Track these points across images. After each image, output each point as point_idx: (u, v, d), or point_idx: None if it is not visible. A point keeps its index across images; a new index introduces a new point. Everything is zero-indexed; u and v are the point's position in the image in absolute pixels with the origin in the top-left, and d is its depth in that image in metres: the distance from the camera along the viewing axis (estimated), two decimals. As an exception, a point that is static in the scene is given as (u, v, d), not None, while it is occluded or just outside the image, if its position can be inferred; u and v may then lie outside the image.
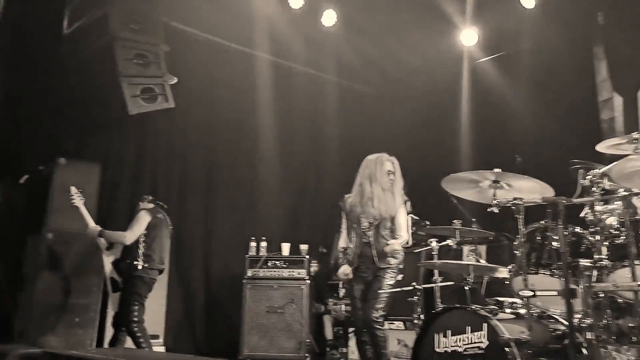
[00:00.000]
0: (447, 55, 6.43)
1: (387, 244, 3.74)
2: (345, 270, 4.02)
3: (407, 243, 4.02)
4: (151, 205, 4.90)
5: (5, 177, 5.13)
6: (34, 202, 5.27)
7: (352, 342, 5.51)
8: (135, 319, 4.52)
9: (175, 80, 5.37)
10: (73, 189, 4.81)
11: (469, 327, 3.02)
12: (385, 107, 7.33)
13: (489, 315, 3.04)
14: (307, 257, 5.85)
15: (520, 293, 3.03)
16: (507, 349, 2.84)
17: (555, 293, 2.88)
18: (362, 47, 6.53)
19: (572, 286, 2.87)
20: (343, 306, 5.93)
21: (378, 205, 3.88)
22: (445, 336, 3.13)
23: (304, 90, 6.83)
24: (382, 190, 3.91)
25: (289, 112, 6.84)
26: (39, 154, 5.48)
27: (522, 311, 3.26)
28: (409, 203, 4.11)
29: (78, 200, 4.80)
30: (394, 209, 3.92)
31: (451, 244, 3.89)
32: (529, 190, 3.35)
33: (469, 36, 6.17)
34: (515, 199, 3.09)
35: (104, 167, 5.58)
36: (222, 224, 6.53)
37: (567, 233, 3.01)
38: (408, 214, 4.11)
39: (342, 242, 4.17)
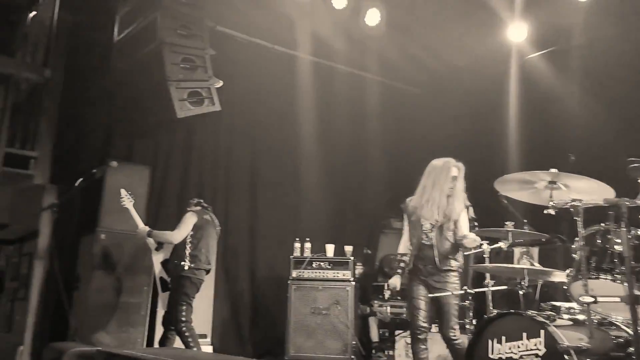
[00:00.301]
0: (494, 52, 6.21)
1: (465, 238, 3.70)
2: (395, 282, 4.04)
3: (481, 246, 3.90)
4: (198, 208, 4.94)
5: (62, 180, 5.28)
6: (88, 204, 5.41)
7: (399, 345, 5.43)
8: (183, 319, 4.54)
9: (220, 83, 5.40)
10: (123, 192, 4.90)
11: (525, 334, 2.90)
12: (430, 106, 7.19)
13: (547, 321, 2.92)
14: (352, 258, 5.80)
15: (580, 299, 2.87)
16: (566, 357, 2.73)
17: (617, 299, 2.75)
18: (406, 46, 6.41)
19: (637, 292, 2.71)
20: (389, 308, 5.87)
21: (434, 209, 3.87)
22: (499, 342, 3.02)
23: (346, 91, 6.78)
24: (445, 195, 3.90)
25: (332, 113, 6.81)
26: (92, 157, 5.63)
27: (581, 317, 3.13)
28: (471, 209, 4.01)
29: (128, 202, 4.88)
30: (457, 214, 3.90)
31: (503, 246, 3.74)
32: (587, 191, 3.21)
33: (518, 31, 5.94)
34: (573, 200, 2.92)
35: (153, 170, 5.67)
36: (266, 224, 6.57)
37: (630, 236, 2.86)
38: (470, 220, 4.00)
39: (402, 247, 4.13)
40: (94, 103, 5.71)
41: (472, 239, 3.69)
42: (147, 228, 4.81)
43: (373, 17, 5.91)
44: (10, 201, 5.06)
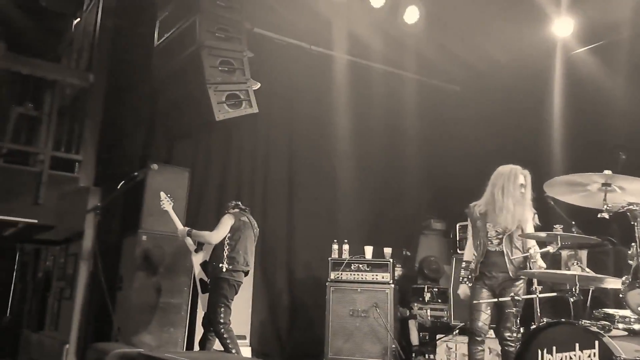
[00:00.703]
0: (537, 47, 6.00)
1: (533, 258, 3.74)
2: (464, 291, 4.05)
3: (529, 250, 3.88)
4: (235, 210, 4.94)
5: (105, 182, 5.37)
6: (130, 206, 5.49)
7: (440, 349, 5.31)
8: (222, 321, 4.52)
9: (258, 85, 5.42)
10: (162, 194, 4.94)
11: (578, 344, 2.77)
12: (469, 104, 7.02)
13: (601, 331, 2.76)
14: (391, 260, 5.74)
15: (639, 309, 2.67)
16: (623, 370, 2.58)
17: (678, 309, 2.55)
18: (446, 43, 6.28)
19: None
20: (429, 311, 5.84)
21: (508, 217, 3.84)
22: (549, 352, 2.87)
23: (382, 90, 6.72)
24: (513, 202, 3.87)
25: (368, 113, 6.76)
26: (134, 160, 5.73)
27: (637, 327, 2.95)
28: (536, 215, 3.95)
29: (167, 205, 4.92)
30: (525, 221, 3.88)
31: (552, 250, 3.55)
32: (643, 194, 3.01)
33: (563, 26, 5.70)
34: (630, 204, 2.72)
35: (192, 172, 5.70)
36: (304, 226, 6.56)
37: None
38: (535, 227, 3.94)
39: (467, 253, 4.09)
40: (135, 107, 5.81)
41: (540, 265, 3.73)
42: (187, 228, 4.84)
43: (412, 14, 5.81)
44: (57, 203, 5.06)
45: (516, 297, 3.57)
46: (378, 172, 7.01)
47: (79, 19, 6.41)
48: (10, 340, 6.70)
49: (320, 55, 6.43)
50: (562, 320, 2.94)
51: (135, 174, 4.67)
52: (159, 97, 5.85)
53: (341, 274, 5.72)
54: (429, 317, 5.85)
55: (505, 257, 3.80)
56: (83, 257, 5.16)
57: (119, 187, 4.57)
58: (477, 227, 3.98)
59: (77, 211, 5.15)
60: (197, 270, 4.91)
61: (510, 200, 3.86)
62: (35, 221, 4.97)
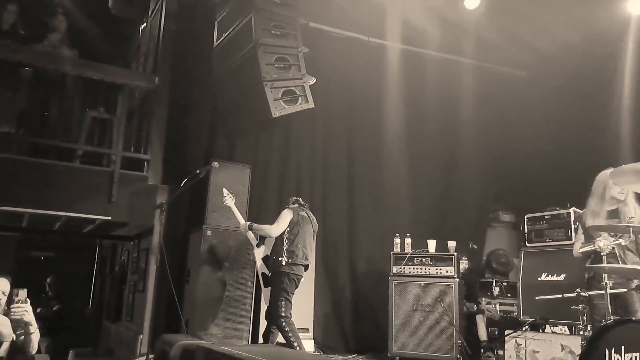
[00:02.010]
0: (610, 27, 5.60)
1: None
2: None
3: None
4: (295, 205, 4.98)
5: (172, 180, 5.55)
6: (195, 202, 5.66)
7: (509, 345, 5.13)
8: (282, 314, 4.58)
9: (314, 80, 5.42)
10: (225, 191, 5.03)
11: (649, 344, 2.55)
12: (536, 89, 6.73)
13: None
14: (455, 254, 5.61)
15: None
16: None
17: None
18: (510, 26, 6.03)
19: None
20: (498, 305, 5.70)
21: (625, 237, 3.61)
22: (617, 352, 2.71)
23: (441, 78, 6.55)
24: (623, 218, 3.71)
25: (428, 103, 6.62)
26: (198, 158, 5.90)
27: None
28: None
29: (229, 201, 5.01)
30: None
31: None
32: None
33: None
34: None
35: (253, 169, 5.81)
36: (365, 220, 6.54)
37: None
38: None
39: (575, 252, 3.97)
40: (197, 107, 5.96)
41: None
42: (248, 222, 4.96)
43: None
44: (129, 201, 5.37)
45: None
46: (440, 164, 6.88)
47: (145, 24, 6.71)
48: (92, 330, 7.20)
49: (377, 46, 6.37)
50: (632, 319, 2.73)
51: (198, 171, 4.77)
52: (220, 97, 5.99)
53: (404, 268, 5.67)
54: (498, 312, 5.70)
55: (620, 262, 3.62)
56: (153, 251, 5.43)
57: (182, 184, 4.70)
58: (587, 231, 3.83)
59: (147, 208, 5.41)
60: (259, 264, 5.00)
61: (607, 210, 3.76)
62: (109, 218, 5.28)
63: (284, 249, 4.72)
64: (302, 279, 4.80)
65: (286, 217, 4.82)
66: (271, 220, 4.96)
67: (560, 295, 3.53)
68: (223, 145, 6.07)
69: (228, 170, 5.52)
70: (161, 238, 4.57)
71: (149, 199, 5.47)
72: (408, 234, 5.85)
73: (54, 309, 7.23)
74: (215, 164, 5.09)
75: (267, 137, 6.31)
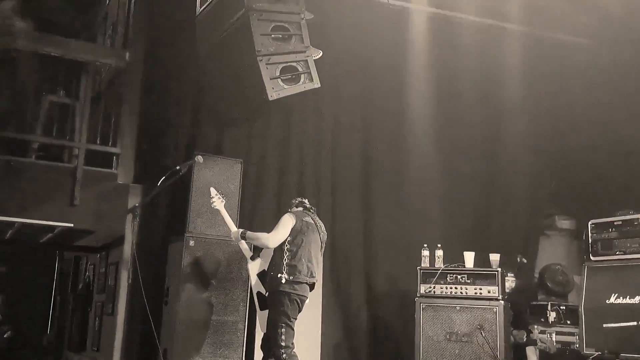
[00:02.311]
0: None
1: None
2: None
3: None
4: (298, 208, 5.07)
5: (147, 179, 5.66)
6: (175, 205, 5.77)
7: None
8: (282, 344, 4.60)
9: (320, 54, 5.46)
10: (212, 191, 5.10)
11: None
12: (603, 61, 6.70)
13: None
14: (500, 269, 5.65)
15: None
16: None
17: None
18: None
19: None
20: (554, 335, 5.75)
21: None
22: None
23: (480, 50, 6.56)
24: None
25: (463, 80, 6.63)
26: (178, 151, 6.01)
27: None
28: None
29: (218, 203, 5.06)
30: None
31: None
32: None
33: None
34: None
35: (246, 164, 5.89)
36: (384, 228, 6.59)
37: None
38: None
39: None
40: (178, 89, 6.08)
41: None
42: (241, 230, 5.00)
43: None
44: (95, 204, 5.49)
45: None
46: (479, 157, 6.88)
47: (113, -10, 6.80)
48: (51, 363, 7.27)
49: (399, 10, 6.34)
50: None
51: (178, 167, 4.91)
52: (204, 77, 6.09)
53: (434, 288, 5.73)
54: (554, 343, 5.76)
55: None
56: (124, 265, 5.54)
57: (159, 183, 4.84)
58: None
59: (117, 212, 5.51)
60: (254, 281, 5.05)
61: None
62: (71, 225, 5.43)
63: (284, 263, 4.76)
64: (307, 301, 4.85)
65: (287, 223, 4.88)
66: (268, 227, 5.01)
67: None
68: (209, 135, 6.13)
69: (215, 165, 5.61)
70: (134, 249, 4.73)
71: (118, 202, 5.56)
72: (439, 245, 5.88)
73: (5, 335, 7.41)
74: (200, 158, 5.21)
75: (263, 125, 6.37)
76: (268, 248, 4.90)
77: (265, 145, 6.40)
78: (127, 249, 5.45)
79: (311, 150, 6.57)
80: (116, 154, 5.74)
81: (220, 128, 6.21)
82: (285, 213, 5.00)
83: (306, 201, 5.15)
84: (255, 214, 6.16)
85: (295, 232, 4.85)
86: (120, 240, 5.65)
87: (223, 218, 5.08)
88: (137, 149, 5.82)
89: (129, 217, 5.26)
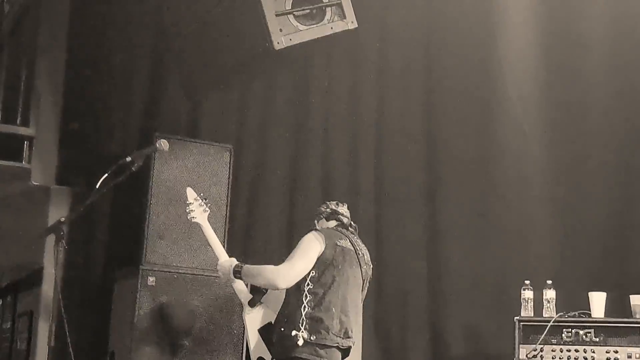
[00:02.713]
0: None
1: None
2: None
3: None
4: (330, 223, 4.88)
5: (78, 179, 5.67)
6: (123, 220, 5.74)
7: None
8: None
9: None
10: (191, 193, 4.91)
11: None
12: None
13: None
14: None
15: None
16: None
17: None
18: None
19: None
20: None
21: None
22: None
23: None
24: None
25: (590, 41, 6.50)
26: (128, 134, 5.98)
27: None
28: None
29: (199, 213, 4.88)
30: None
31: None
32: None
33: None
34: None
35: (237, 150, 5.91)
36: (461, 254, 6.56)
37: None
38: None
39: None
40: (128, 38, 6.05)
41: None
42: (234, 261, 4.75)
43: None
44: None
45: None
46: (611, 152, 6.62)
47: None
48: None
49: None
50: None
51: (129, 158, 4.52)
52: (171, 16, 6.10)
53: (541, 350, 5.51)
54: None
55: None
56: (42, 317, 5.47)
57: (99, 184, 4.46)
58: None
59: (30, 232, 5.47)
60: (254, 342, 4.82)
61: None
62: None
63: (303, 314, 4.51)
64: None
65: (311, 249, 4.61)
66: (274, 256, 5.05)
67: None
68: (179, 110, 6.19)
69: (189, 154, 5.58)
70: (58, 291, 4.31)
71: (33, 215, 5.54)
72: (549, 282, 5.71)
73: None
74: (163, 143, 4.74)
75: (265, 91, 6.43)
76: (277, 290, 4.66)
77: (268, 123, 6.47)
78: (48, 290, 5.40)
79: (342, 132, 6.65)
80: (29, 138, 5.72)
81: (197, 96, 6.28)
82: (309, 232, 4.70)
83: (344, 210, 4.89)
84: (253, 232, 6.23)
85: (323, 265, 4.61)
86: (35, 277, 5.69)
87: (206, 239, 4.89)
88: (62, 129, 5.87)
89: (50, 239, 4.82)
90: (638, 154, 6.62)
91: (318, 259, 4.57)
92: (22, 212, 5.59)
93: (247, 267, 4.67)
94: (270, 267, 4.59)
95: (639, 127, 6.64)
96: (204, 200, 4.91)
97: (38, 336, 5.50)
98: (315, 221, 4.90)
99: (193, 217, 4.84)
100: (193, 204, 4.85)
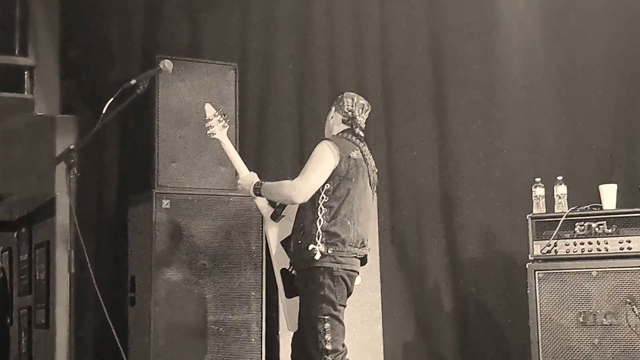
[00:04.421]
0: None
1: None
2: None
3: None
4: (342, 135, 4.78)
5: (82, 106, 5.62)
6: (133, 145, 5.77)
7: None
8: (328, 347, 4.44)
9: None
10: (209, 109, 4.85)
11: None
12: None
13: None
14: None
15: None
16: None
17: None
18: None
19: None
20: None
21: None
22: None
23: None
24: None
25: None
26: (131, 56, 5.95)
27: None
28: None
29: (219, 129, 4.84)
30: None
31: None
32: None
33: None
34: None
35: (242, 68, 5.85)
36: (472, 155, 6.56)
37: None
38: None
39: None
40: None
41: None
42: (255, 176, 4.76)
43: None
44: (1, 152, 5.44)
45: None
46: (613, 44, 6.56)
47: None
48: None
49: None
50: None
51: (133, 81, 4.44)
52: None
53: (555, 246, 5.55)
54: None
55: None
56: (59, 247, 5.42)
57: (104, 110, 4.39)
58: None
59: (39, 162, 5.49)
60: (276, 253, 4.83)
61: None
62: None
63: (319, 227, 4.52)
64: (359, 280, 4.70)
65: (326, 160, 4.58)
66: (285, 169, 5.33)
67: None
68: (180, 27, 6.15)
69: (192, 75, 5.52)
70: (74, 218, 4.34)
71: (40, 145, 5.53)
72: (560, 178, 5.67)
73: None
74: (167, 63, 4.65)
75: (264, 5, 6.36)
76: (295, 204, 4.66)
77: (275, 38, 6.42)
78: (63, 219, 5.37)
79: (347, 42, 6.58)
80: (29, 68, 5.67)
81: (198, 15, 6.19)
82: (322, 142, 4.66)
83: (363, 121, 4.81)
84: (264, 148, 6.23)
85: (338, 178, 4.59)
86: (49, 208, 5.61)
87: (227, 154, 4.83)
88: (63, 58, 5.79)
89: (60, 168, 4.68)
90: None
91: (333, 171, 4.57)
92: (28, 144, 5.52)
93: (266, 185, 4.69)
94: (286, 182, 4.62)
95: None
96: (223, 116, 4.87)
97: (56, 267, 5.47)
98: (333, 108, 4.85)
99: (213, 134, 4.83)
100: (212, 120, 4.83)
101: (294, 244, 4.65)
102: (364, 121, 4.83)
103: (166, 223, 5.26)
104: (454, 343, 6.42)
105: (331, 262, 4.48)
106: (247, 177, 4.77)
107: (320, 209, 4.54)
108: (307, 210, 4.59)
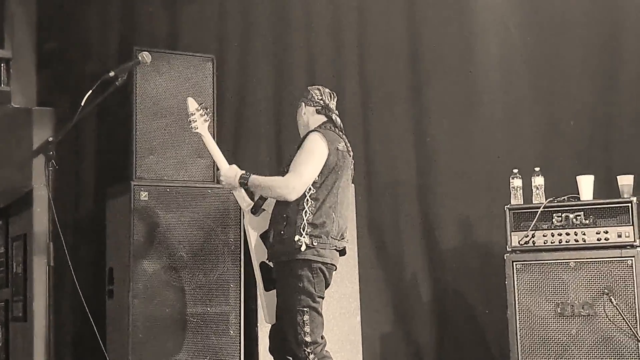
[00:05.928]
0: None
1: None
2: None
3: None
4: (319, 117, 4.80)
5: (59, 99, 5.62)
6: (111, 138, 5.73)
7: None
8: (307, 339, 4.45)
9: None
10: (191, 103, 4.83)
11: None
12: None
13: None
14: (634, 199, 5.45)
15: None
16: None
17: None
18: None
19: None
20: None
21: None
22: None
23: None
24: None
25: None
26: (108, 48, 5.94)
27: None
28: None
29: (201, 123, 4.81)
30: None
31: None
32: None
33: None
34: None
35: (219, 60, 5.84)
36: (449, 145, 6.56)
37: None
38: None
39: None
40: None
41: None
42: (237, 169, 4.73)
43: None
44: None
45: None
46: (592, 34, 6.54)
47: None
48: None
49: None
50: None
51: (111, 73, 4.50)
52: None
53: (533, 237, 5.59)
54: None
55: None
56: (37, 240, 5.43)
57: (83, 102, 4.45)
58: None
59: (17, 155, 5.51)
60: (256, 247, 4.81)
61: None
62: None
63: (304, 218, 4.52)
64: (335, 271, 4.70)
65: (316, 151, 4.60)
66: (262, 161, 5.40)
67: None
68: (158, 19, 6.14)
69: (171, 66, 5.52)
70: (53, 210, 4.35)
71: (18, 137, 5.55)
72: (537, 169, 5.70)
73: None
74: (145, 55, 4.77)
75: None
76: (288, 200, 4.60)
77: (252, 30, 6.43)
78: (41, 212, 5.40)
79: (325, 33, 6.59)
80: (5, 60, 5.67)
81: (175, 6, 6.23)
82: (312, 132, 4.68)
83: (334, 106, 4.86)
84: (241, 140, 6.25)
85: (327, 170, 4.61)
86: (26, 200, 5.62)
87: (207, 148, 4.83)
88: (39, 49, 5.80)
89: (38, 160, 4.96)
90: (623, 38, 6.53)
91: (325, 162, 4.60)
92: (5, 136, 5.55)
93: (254, 178, 4.67)
94: (279, 179, 4.60)
95: (628, 11, 6.48)
96: (205, 110, 4.86)
97: (33, 259, 5.49)
98: (303, 103, 4.87)
99: (195, 128, 4.82)
100: (195, 114, 4.82)
101: (275, 233, 4.62)
102: (335, 108, 4.86)
103: (144, 215, 5.28)
104: (432, 334, 6.44)
105: (313, 254, 4.50)
106: (230, 170, 4.76)
107: (307, 200, 4.55)
108: (294, 203, 4.58)
